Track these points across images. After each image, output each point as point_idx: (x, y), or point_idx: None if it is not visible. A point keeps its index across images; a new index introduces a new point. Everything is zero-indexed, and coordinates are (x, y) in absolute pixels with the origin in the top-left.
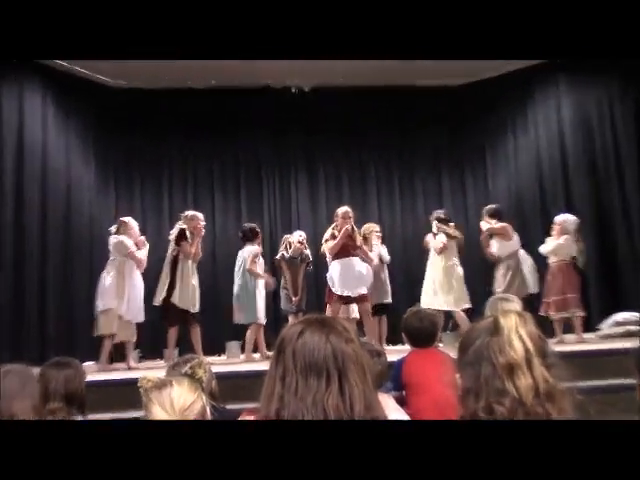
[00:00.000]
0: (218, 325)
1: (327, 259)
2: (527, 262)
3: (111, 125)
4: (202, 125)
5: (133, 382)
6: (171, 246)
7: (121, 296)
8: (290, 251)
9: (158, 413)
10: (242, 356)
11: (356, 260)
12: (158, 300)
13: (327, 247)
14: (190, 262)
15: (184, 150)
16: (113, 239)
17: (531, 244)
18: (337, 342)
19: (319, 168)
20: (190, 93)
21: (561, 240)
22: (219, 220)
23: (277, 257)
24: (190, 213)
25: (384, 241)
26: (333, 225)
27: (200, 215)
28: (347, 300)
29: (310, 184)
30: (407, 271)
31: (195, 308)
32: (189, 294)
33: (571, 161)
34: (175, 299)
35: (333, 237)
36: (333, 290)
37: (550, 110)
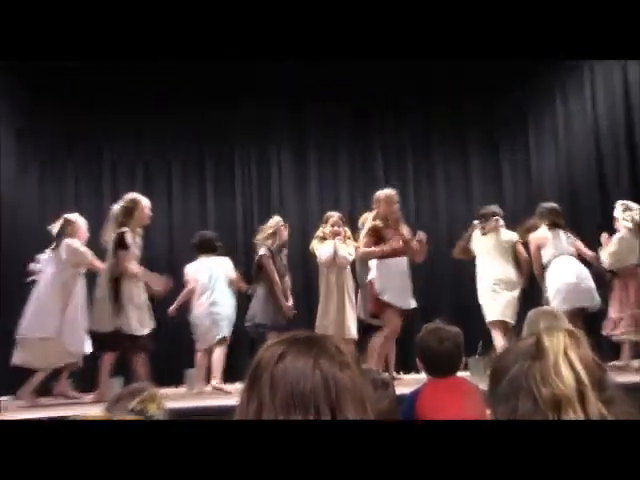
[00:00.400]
0: (174, 349)
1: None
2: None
3: (35, 89)
4: (156, 88)
5: None
6: (108, 255)
7: (66, 320)
8: (277, 240)
9: None
10: (209, 387)
11: (404, 261)
12: (103, 327)
13: (365, 244)
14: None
15: (132, 119)
16: (68, 244)
17: (589, 242)
18: (329, 368)
19: (309, 145)
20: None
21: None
22: (177, 208)
23: (263, 253)
24: (131, 196)
25: None
26: (372, 215)
27: (145, 200)
28: (406, 314)
29: (297, 165)
30: (422, 274)
31: (146, 329)
32: (141, 315)
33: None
34: (124, 324)
35: (375, 232)
36: (386, 300)
37: (612, 68)
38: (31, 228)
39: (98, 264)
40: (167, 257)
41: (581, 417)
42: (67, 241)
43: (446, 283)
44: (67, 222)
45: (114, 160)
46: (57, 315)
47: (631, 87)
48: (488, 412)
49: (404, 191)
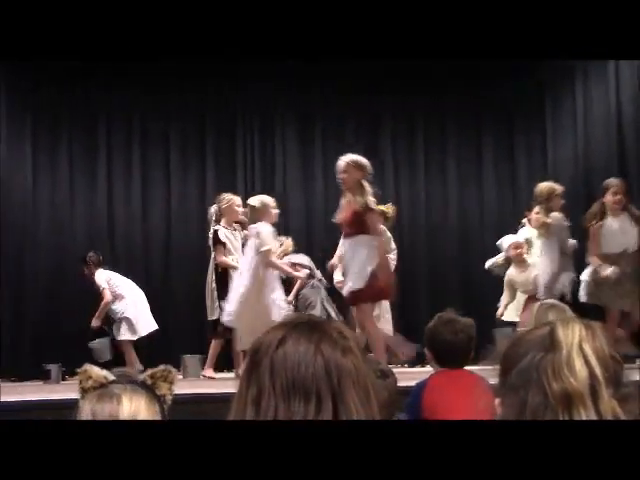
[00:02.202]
0: (171, 332)
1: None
2: None
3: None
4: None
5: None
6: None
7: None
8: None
9: None
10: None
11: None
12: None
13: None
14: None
15: (128, 90)
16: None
17: None
18: (331, 353)
19: (315, 124)
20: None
21: None
22: (176, 189)
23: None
24: (228, 197)
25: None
26: None
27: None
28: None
29: (302, 146)
30: (432, 264)
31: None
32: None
33: None
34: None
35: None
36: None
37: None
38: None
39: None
40: (166, 227)
41: (592, 414)
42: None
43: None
44: (253, 208)
45: (109, 130)
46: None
47: None
48: (497, 402)
49: (413, 175)
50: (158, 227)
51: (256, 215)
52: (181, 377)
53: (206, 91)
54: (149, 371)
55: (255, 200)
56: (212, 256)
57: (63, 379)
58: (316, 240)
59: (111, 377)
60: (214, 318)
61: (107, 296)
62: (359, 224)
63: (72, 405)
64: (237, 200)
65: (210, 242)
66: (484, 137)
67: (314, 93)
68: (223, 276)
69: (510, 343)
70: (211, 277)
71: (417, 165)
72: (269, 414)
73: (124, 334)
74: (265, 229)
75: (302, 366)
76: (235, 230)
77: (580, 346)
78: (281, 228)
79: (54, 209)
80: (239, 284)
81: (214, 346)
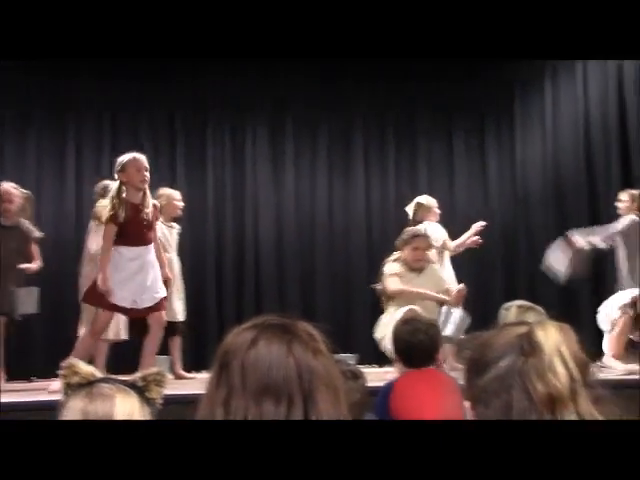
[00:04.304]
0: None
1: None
2: None
3: None
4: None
5: None
6: None
7: None
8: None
9: None
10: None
11: None
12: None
13: None
14: None
15: (98, 83)
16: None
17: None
18: (302, 355)
19: (287, 123)
20: None
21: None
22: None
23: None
24: (167, 192)
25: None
26: None
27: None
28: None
29: (273, 144)
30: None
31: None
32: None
33: (631, 122)
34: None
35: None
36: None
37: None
38: None
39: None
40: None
41: (573, 416)
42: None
43: None
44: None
45: (79, 127)
46: None
47: (625, 68)
48: (466, 404)
49: (384, 178)
50: None
51: (422, 213)
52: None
53: (177, 87)
54: (141, 373)
55: (423, 198)
56: None
57: None
58: (285, 234)
59: (98, 374)
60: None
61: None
62: None
63: None
64: (176, 195)
65: None
66: (455, 137)
67: (287, 87)
68: None
69: (477, 346)
70: None
71: (387, 161)
72: (238, 415)
73: None
74: (432, 227)
75: (274, 368)
76: (171, 227)
77: (559, 349)
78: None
79: None
80: None
81: (174, 345)
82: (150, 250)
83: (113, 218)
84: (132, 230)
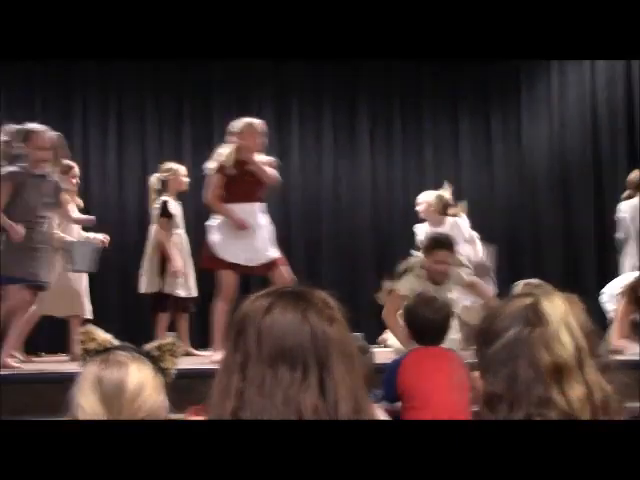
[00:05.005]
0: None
1: None
2: None
3: None
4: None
5: None
6: (154, 219)
7: None
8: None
9: (87, 401)
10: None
11: None
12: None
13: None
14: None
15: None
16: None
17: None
18: (317, 322)
19: (292, 104)
20: None
21: None
22: (151, 165)
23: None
24: (174, 167)
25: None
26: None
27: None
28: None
29: (279, 125)
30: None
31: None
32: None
33: (638, 105)
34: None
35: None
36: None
37: None
38: None
39: None
40: (139, 201)
41: (581, 385)
42: None
43: None
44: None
45: (86, 106)
46: None
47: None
48: (476, 375)
49: (390, 158)
50: (134, 199)
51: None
52: None
53: (185, 66)
54: (156, 342)
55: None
56: (155, 227)
57: None
58: (292, 211)
59: (115, 342)
60: (153, 291)
61: None
62: None
63: None
64: (182, 170)
65: (155, 212)
66: (461, 122)
67: (294, 67)
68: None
69: (486, 317)
70: (152, 249)
71: (394, 148)
72: (255, 381)
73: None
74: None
75: (289, 334)
76: (178, 201)
77: (565, 319)
78: None
79: None
80: None
81: (161, 320)
82: (258, 209)
83: (221, 169)
84: (242, 188)
